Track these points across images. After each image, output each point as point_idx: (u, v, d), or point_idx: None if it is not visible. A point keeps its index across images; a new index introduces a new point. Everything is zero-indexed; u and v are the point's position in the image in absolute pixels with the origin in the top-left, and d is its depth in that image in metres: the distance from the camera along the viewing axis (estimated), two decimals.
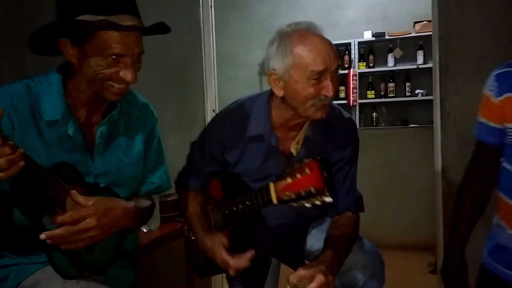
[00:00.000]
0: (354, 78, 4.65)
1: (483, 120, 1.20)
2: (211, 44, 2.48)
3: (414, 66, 4.27)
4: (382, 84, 4.67)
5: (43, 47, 1.11)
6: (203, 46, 2.45)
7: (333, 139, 1.27)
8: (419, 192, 3.16)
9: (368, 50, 4.66)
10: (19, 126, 1.06)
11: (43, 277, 1.09)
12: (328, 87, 1.12)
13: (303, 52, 1.11)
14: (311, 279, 1.00)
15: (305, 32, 1.14)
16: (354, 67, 4.66)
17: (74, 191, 1.03)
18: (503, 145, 1.16)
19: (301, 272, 1.01)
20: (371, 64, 4.65)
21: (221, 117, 1.37)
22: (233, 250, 1.24)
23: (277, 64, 1.15)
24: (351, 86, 4.64)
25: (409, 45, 4.36)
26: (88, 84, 1.09)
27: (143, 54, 1.12)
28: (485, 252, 1.26)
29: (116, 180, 1.18)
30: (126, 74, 1.05)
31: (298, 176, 1.00)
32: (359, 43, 4.61)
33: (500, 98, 1.13)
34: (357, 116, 4.75)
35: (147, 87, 2.52)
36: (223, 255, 1.15)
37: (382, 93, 4.66)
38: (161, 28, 1.13)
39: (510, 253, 1.15)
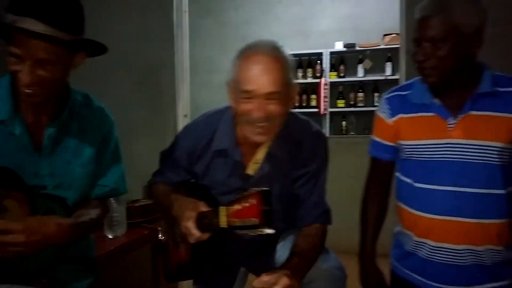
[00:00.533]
0: (325, 87, 4.75)
1: (377, 139, 1.31)
2: (184, 49, 2.47)
3: (383, 77, 4.42)
4: (352, 94, 4.80)
5: None
6: (176, 51, 2.43)
7: (300, 154, 1.24)
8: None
9: (339, 60, 4.78)
10: None
11: None
12: (254, 109, 1.10)
13: (240, 70, 1.13)
14: (274, 283, 1.00)
15: (253, 52, 1.13)
16: (325, 77, 4.77)
17: (9, 200, 1.03)
18: (398, 160, 1.26)
19: (265, 277, 1.01)
20: (341, 74, 4.77)
21: (189, 129, 1.37)
22: (197, 258, 1.23)
23: (230, 77, 1.18)
24: (322, 94, 4.73)
25: (378, 57, 4.50)
26: None
27: (51, 63, 1.06)
28: (394, 259, 1.32)
29: (64, 182, 1.18)
30: (22, 77, 1.04)
31: (245, 204, 0.96)
32: (331, 53, 4.73)
33: (394, 119, 1.24)
34: (328, 125, 4.85)
35: (118, 90, 2.50)
36: (190, 222, 1.07)
37: (352, 102, 4.78)
38: (84, 44, 1.11)
39: (417, 258, 1.21)
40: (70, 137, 1.20)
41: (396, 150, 1.27)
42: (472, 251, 1.14)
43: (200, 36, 4.52)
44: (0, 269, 1.05)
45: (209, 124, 1.29)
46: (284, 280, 1.00)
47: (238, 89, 1.13)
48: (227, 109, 1.28)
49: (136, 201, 2.06)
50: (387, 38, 4.35)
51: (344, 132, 4.82)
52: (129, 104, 2.46)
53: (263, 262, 1.32)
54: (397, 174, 1.28)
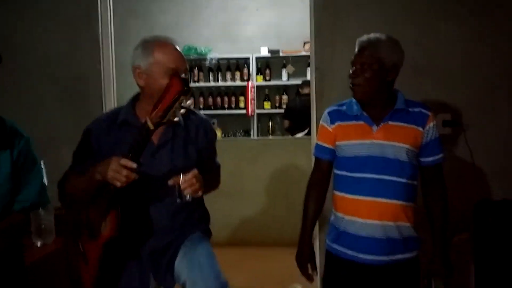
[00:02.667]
0: (252, 90, 4.99)
1: (320, 143, 1.63)
2: (110, 58, 2.50)
3: (304, 79, 4.70)
4: (277, 96, 5.10)
5: None
6: (102, 60, 2.46)
7: (197, 132, 1.59)
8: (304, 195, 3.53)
9: (265, 65, 5.05)
10: None
11: None
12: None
13: (160, 53, 1.47)
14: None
15: (163, 41, 1.51)
16: (252, 80, 5.01)
17: None
18: (336, 159, 1.59)
19: (175, 177, 1.36)
20: (267, 78, 5.05)
21: (94, 121, 1.61)
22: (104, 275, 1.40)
23: (141, 62, 1.48)
24: (250, 97, 4.97)
25: (300, 62, 4.84)
26: None
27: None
28: (329, 241, 1.60)
29: None
30: None
31: (164, 95, 1.26)
32: (257, 58, 4.98)
33: (333, 126, 1.58)
34: (255, 126, 5.10)
35: (45, 103, 2.47)
36: (123, 159, 1.28)
37: (277, 104, 5.08)
38: None
39: (348, 236, 1.51)
40: None
41: (334, 152, 1.59)
42: (387, 226, 1.47)
43: (129, 39, 4.48)
44: None
45: (112, 112, 1.61)
46: (193, 171, 1.39)
47: (161, 69, 1.45)
48: (122, 106, 1.59)
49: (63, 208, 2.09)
50: (308, 45, 4.68)
51: (270, 132, 5.10)
52: (55, 114, 2.45)
53: (164, 269, 1.50)
54: (335, 170, 1.60)
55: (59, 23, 2.45)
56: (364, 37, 1.52)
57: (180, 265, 1.48)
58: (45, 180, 1.55)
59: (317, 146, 1.64)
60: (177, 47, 1.52)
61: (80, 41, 2.45)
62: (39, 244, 1.80)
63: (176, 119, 1.29)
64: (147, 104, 1.46)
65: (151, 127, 1.28)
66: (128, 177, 1.28)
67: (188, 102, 1.30)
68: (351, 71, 1.50)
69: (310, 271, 1.61)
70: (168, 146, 1.52)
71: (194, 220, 1.59)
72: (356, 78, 1.48)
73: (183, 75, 1.45)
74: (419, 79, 2.22)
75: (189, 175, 1.38)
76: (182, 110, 1.29)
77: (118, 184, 1.29)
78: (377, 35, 1.51)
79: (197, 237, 1.56)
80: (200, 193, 1.43)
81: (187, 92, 1.26)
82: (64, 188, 1.52)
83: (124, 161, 1.28)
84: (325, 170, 1.62)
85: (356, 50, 1.52)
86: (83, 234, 1.48)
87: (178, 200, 1.39)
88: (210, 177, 1.58)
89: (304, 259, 1.60)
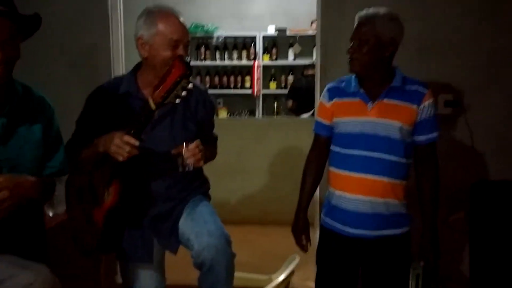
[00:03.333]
0: (259, 70, 4.99)
1: (319, 119, 1.67)
2: (119, 31, 2.53)
3: (309, 62, 4.72)
4: (283, 76, 5.10)
5: None
6: (111, 33, 2.48)
7: (196, 105, 1.62)
8: None
9: (272, 44, 5.03)
10: None
11: None
12: (180, 52, 1.49)
13: (165, 25, 1.49)
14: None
15: (167, 11, 1.52)
16: (258, 59, 5.00)
17: None
18: (333, 136, 1.62)
19: (178, 146, 1.43)
20: (274, 57, 5.04)
21: (96, 90, 1.64)
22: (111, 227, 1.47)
23: (144, 32, 1.50)
24: (256, 76, 4.98)
25: (307, 42, 4.80)
26: None
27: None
28: (323, 215, 1.65)
29: (18, 165, 1.33)
30: None
31: (166, 77, 1.30)
32: (264, 37, 4.95)
33: (331, 102, 1.61)
34: (260, 106, 5.13)
35: (54, 73, 2.52)
36: (125, 136, 1.34)
37: (283, 84, 5.08)
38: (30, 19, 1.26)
39: (339, 210, 1.56)
40: (19, 125, 1.34)
41: (331, 128, 1.61)
42: (375, 202, 1.51)
43: (137, 11, 4.46)
44: None
45: (114, 81, 1.65)
46: (197, 141, 1.46)
47: (164, 40, 1.48)
48: (124, 74, 1.63)
49: None
50: (315, 24, 4.64)
51: (276, 113, 5.13)
52: (64, 85, 2.49)
53: (168, 232, 1.58)
54: (331, 146, 1.62)
55: None
56: (363, 12, 1.53)
57: (184, 224, 1.55)
58: None
59: (316, 122, 1.68)
60: (181, 19, 1.53)
61: (89, 12, 2.46)
62: (51, 214, 1.89)
63: (177, 100, 1.33)
64: (149, 75, 1.52)
65: (153, 107, 1.33)
66: (130, 152, 1.34)
67: (190, 85, 1.33)
68: (349, 46, 1.53)
69: (304, 242, 1.67)
70: (168, 119, 1.56)
71: (194, 187, 1.65)
72: (354, 53, 1.51)
73: (182, 48, 1.48)
74: (423, 57, 2.22)
75: (192, 145, 1.45)
76: (184, 93, 1.33)
77: (120, 158, 1.36)
78: (376, 9, 1.51)
79: (198, 199, 1.63)
80: (202, 163, 1.49)
81: (189, 75, 1.30)
82: (68, 155, 1.56)
83: (127, 138, 1.34)
84: (323, 146, 1.65)
85: (355, 24, 1.53)
86: (87, 199, 1.54)
87: (180, 169, 1.45)
88: (209, 148, 1.64)
89: (299, 230, 1.67)
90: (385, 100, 1.51)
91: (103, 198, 1.47)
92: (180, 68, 1.29)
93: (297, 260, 2.07)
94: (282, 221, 3.63)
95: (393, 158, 1.51)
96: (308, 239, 1.69)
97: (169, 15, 1.51)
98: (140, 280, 1.58)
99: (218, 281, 1.48)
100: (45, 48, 2.49)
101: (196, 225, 1.52)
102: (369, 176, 1.51)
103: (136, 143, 1.34)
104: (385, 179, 1.51)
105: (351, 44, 1.52)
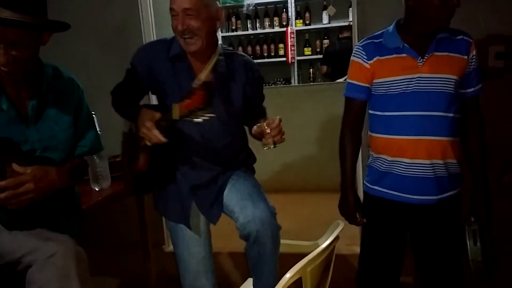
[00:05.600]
0: (292, 36, 4.85)
1: (353, 82, 1.50)
2: (149, 8, 2.52)
3: (346, 23, 4.53)
4: (317, 41, 4.93)
5: None
6: (140, 10, 2.48)
7: (244, 77, 1.57)
8: None
9: (304, 8, 4.85)
10: None
11: None
12: (177, 22, 1.43)
13: None
14: (272, 122, 1.40)
15: None
16: (291, 25, 4.85)
17: (14, 164, 1.23)
18: (371, 97, 1.49)
19: (259, 124, 1.43)
20: (307, 22, 4.86)
21: (146, 45, 1.66)
22: (154, 168, 1.48)
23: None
24: (289, 43, 4.85)
25: (342, 2, 4.58)
26: None
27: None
28: (368, 184, 1.54)
29: (50, 145, 1.38)
30: None
31: (193, 96, 1.28)
32: (295, 1, 4.77)
33: (371, 61, 1.45)
34: (296, 73, 5.02)
35: (85, 53, 2.56)
36: (151, 125, 1.34)
37: (318, 49, 4.92)
38: (49, 25, 1.28)
39: (393, 176, 1.46)
40: (49, 106, 1.38)
41: (369, 90, 1.48)
42: (436, 164, 1.41)
43: None
44: (11, 219, 1.27)
45: (164, 41, 1.58)
46: (278, 118, 1.42)
47: (170, 10, 1.43)
48: (174, 37, 1.56)
49: (116, 156, 2.22)
50: None
51: (312, 79, 5.00)
52: (97, 65, 2.53)
53: (211, 198, 1.59)
54: (371, 111, 1.50)
55: None
56: None
57: (229, 195, 1.56)
58: (98, 128, 1.66)
59: (350, 85, 1.51)
60: None
61: None
62: (97, 189, 1.95)
63: (199, 120, 1.29)
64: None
65: (177, 117, 1.30)
66: (158, 141, 1.33)
67: (207, 115, 1.30)
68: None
69: (359, 219, 1.55)
70: (215, 93, 1.49)
71: (239, 159, 1.64)
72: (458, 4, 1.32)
73: (181, 16, 1.40)
74: (468, 7, 2.04)
75: (275, 122, 1.41)
76: (202, 118, 1.28)
77: (148, 143, 1.35)
78: None
79: (243, 171, 1.63)
80: (284, 139, 1.45)
81: (205, 108, 1.27)
82: (113, 101, 1.60)
83: (155, 132, 1.32)
84: (360, 111, 1.52)
85: None
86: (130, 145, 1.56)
87: (265, 148, 1.43)
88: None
89: (350, 208, 1.54)
90: (436, 53, 1.38)
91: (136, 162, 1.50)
92: (197, 99, 1.26)
93: (341, 226, 2.03)
94: (322, 187, 3.67)
95: (450, 114, 1.40)
96: (362, 215, 1.55)
97: None
98: (189, 248, 1.62)
99: (264, 253, 1.49)
100: (76, 28, 2.52)
101: (241, 197, 1.52)
102: (428, 138, 1.39)
103: (163, 139, 1.32)
104: (444, 139, 1.40)
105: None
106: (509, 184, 2.02)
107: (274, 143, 1.42)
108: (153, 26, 2.57)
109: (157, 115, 1.35)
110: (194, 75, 1.51)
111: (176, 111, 1.29)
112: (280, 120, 1.42)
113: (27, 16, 1.19)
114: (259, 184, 1.63)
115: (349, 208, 1.55)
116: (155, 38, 2.59)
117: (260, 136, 1.46)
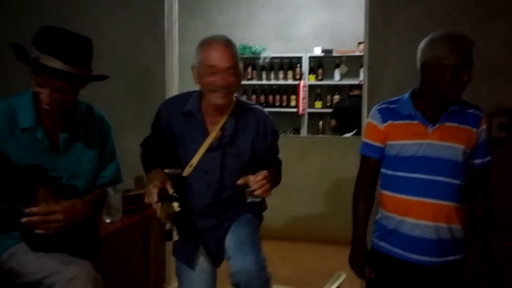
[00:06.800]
0: (304, 89, 5.06)
1: (368, 141, 1.60)
2: (174, 55, 2.70)
3: (357, 82, 4.74)
4: (329, 96, 5.12)
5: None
6: (166, 56, 2.65)
7: (257, 130, 1.65)
8: (352, 194, 3.53)
9: (318, 64, 5.09)
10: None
11: (18, 251, 1.40)
12: (217, 78, 1.52)
13: (204, 53, 1.55)
14: (257, 176, 1.44)
15: (210, 40, 1.56)
16: (304, 79, 5.07)
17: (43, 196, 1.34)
18: (385, 158, 1.57)
19: (245, 177, 1.45)
20: (320, 77, 5.09)
21: (167, 100, 1.83)
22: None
23: (195, 61, 1.58)
24: (301, 96, 5.05)
25: (354, 63, 4.84)
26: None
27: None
28: (376, 240, 1.61)
29: (76, 174, 1.50)
30: (43, 98, 1.36)
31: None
32: (310, 57, 5.03)
33: (385, 124, 1.56)
34: (306, 124, 5.17)
35: (111, 91, 2.72)
36: (151, 187, 1.44)
37: (329, 104, 5.10)
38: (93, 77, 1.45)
39: (399, 235, 1.52)
40: (79, 139, 1.52)
41: (383, 150, 1.57)
42: (440, 227, 1.47)
43: (187, 36, 4.71)
44: (38, 240, 1.37)
45: (183, 96, 1.71)
46: (263, 172, 1.46)
47: (202, 67, 1.53)
48: (196, 91, 1.68)
49: (129, 190, 2.31)
50: (362, 46, 4.67)
51: (321, 131, 5.14)
52: (122, 103, 2.68)
53: (214, 244, 1.66)
54: (383, 169, 1.59)
55: (127, 18, 2.66)
56: (459, 33, 1.48)
57: (227, 240, 1.61)
58: None
59: (365, 144, 1.61)
60: (222, 45, 1.53)
61: (146, 37, 2.65)
62: (108, 221, 2.02)
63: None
64: (204, 100, 1.62)
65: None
66: (151, 202, 1.42)
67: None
68: (466, 76, 1.44)
69: (367, 274, 1.59)
70: (221, 146, 1.61)
71: (245, 206, 1.67)
72: (464, 84, 1.45)
73: (222, 74, 1.51)
74: (474, 80, 2.18)
75: (260, 176, 1.44)
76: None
77: (146, 200, 1.44)
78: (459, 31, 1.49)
79: (246, 217, 1.67)
80: (269, 194, 1.48)
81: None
82: (142, 154, 1.73)
83: (154, 196, 1.40)
84: (374, 169, 1.59)
85: (459, 48, 1.44)
86: None
87: (248, 200, 1.48)
88: (273, 175, 1.59)
89: (360, 262, 1.58)
90: (447, 124, 1.49)
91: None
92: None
93: (343, 277, 2.06)
94: (326, 238, 3.67)
95: (456, 181, 1.48)
96: (371, 270, 1.58)
97: (213, 41, 1.55)
98: (192, 286, 1.66)
99: None
100: (104, 68, 2.68)
101: (234, 246, 1.56)
102: (434, 201, 1.47)
103: (154, 203, 1.40)
104: (450, 204, 1.47)
105: (464, 71, 1.43)
106: (510, 250, 2.06)
107: (257, 197, 1.45)
108: (177, 71, 2.74)
109: (168, 184, 1.45)
110: (206, 128, 1.61)
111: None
112: (266, 175, 1.45)
113: (76, 68, 1.34)
114: (258, 233, 1.65)
115: (359, 262, 1.59)
116: (177, 82, 2.76)
117: (244, 187, 1.48)
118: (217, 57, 1.52)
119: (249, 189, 1.43)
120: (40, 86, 1.33)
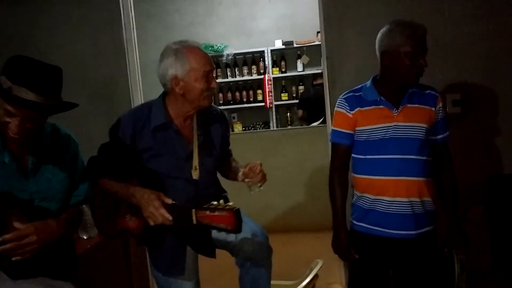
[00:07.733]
0: (269, 83, 5.10)
1: (338, 129, 1.67)
2: (135, 61, 2.68)
3: (320, 71, 4.79)
4: (293, 87, 5.20)
5: None
6: (128, 64, 2.63)
7: (220, 130, 1.72)
8: (327, 181, 3.64)
9: (280, 57, 5.15)
10: None
11: None
12: (213, 81, 1.59)
13: (193, 60, 1.54)
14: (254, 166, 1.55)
15: (192, 48, 1.57)
16: (268, 73, 5.12)
17: (16, 221, 1.33)
18: (355, 143, 1.65)
19: (244, 172, 1.56)
20: (283, 69, 5.15)
21: (124, 117, 1.66)
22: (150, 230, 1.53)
23: (178, 70, 1.54)
24: (267, 89, 5.09)
25: (315, 52, 4.88)
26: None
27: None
28: (354, 220, 1.67)
29: (47, 195, 1.48)
30: (11, 127, 1.34)
31: (218, 213, 1.34)
32: (272, 50, 5.08)
33: (353, 112, 1.63)
34: (274, 117, 5.23)
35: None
36: (163, 210, 1.40)
37: (294, 95, 5.18)
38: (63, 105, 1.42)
39: (376, 213, 1.60)
40: (47, 161, 1.49)
41: (353, 136, 1.64)
42: (414, 202, 1.57)
43: (147, 39, 4.64)
44: (16, 267, 1.35)
45: (141, 109, 1.67)
46: (255, 162, 1.56)
47: (198, 74, 1.53)
48: (152, 101, 1.66)
49: None
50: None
51: (289, 123, 5.21)
52: (87, 115, 2.64)
53: (203, 239, 1.67)
54: (354, 155, 1.66)
55: (85, 28, 2.63)
56: (414, 22, 1.55)
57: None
58: None
59: (336, 132, 1.67)
60: (202, 49, 1.60)
61: (106, 46, 2.62)
62: (85, 237, 2.00)
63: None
64: (184, 107, 1.60)
65: (194, 222, 1.39)
66: (164, 221, 1.40)
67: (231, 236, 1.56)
68: (423, 60, 1.53)
69: (352, 256, 1.65)
70: (199, 147, 1.64)
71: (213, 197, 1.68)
72: (425, 66, 1.55)
73: (213, 76, 1.59)
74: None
75: (257, 167, 1.55)
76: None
77: (152, 223, 1.42)
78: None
79: None
80: (266, 180, 1.60)
81: (236, 231, 1.37)
82: (96, 180, 1.62)
83: (163, 212, 1.39)
84: (345, 155, 1.67)
85: (415, 36, 1.52)
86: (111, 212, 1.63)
87: (251, 191, 1.58)
88: (234, 163, 1.75)
89: (343, 246, 1.66)
90: (409, 105, 1.58)
91: (123, 216, 1.58)
92: (231, 223, 1.32)
93: (320, 264, 2.13)
94: (302, 227, 3.75)
95: (424, 157, 1.58)
96: (354, 251, 1.65)
97: (195, 49, 1.56)
98: None
99: (259, 272, 1.58)
100: (67, 83, 2.63)
101: None
102: (407, 178, 1.56)
103: (168, 216, 1.39)
104: (420, 179, 1.57)
105: (420, 56, 1.53)
106: (473, 219, 2.19)
107: (260, 186, 1.56)
108: (140, 77, 2.72)
109: (161, 195, 1.42)
110: (183, 135, 1.62)
111: (194, 217, 1.37)
112: (261, 164, 1.56)
113: (48, 99, 1.33)
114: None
115: (342, 246, 1.66)
116: (141, 88, 2.73)
117: (235, 179, 1.60)
118: (208, 61, 1.57)
119: (250, 181, 1.56)
120: (10, 116, 1.32)
